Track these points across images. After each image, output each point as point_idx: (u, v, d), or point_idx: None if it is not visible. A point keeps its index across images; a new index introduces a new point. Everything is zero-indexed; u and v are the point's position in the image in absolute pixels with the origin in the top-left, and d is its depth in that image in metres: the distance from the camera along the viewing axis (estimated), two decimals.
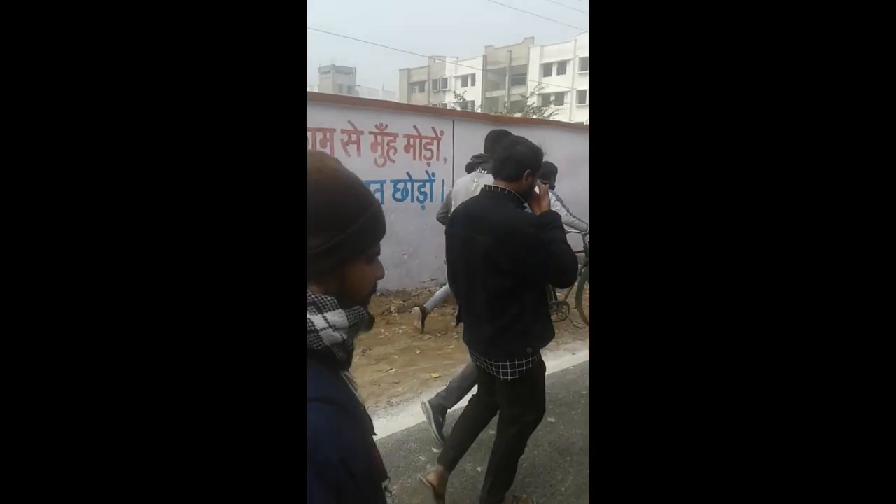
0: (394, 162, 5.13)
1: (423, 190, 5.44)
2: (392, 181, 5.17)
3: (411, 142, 5.25)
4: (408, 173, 5.27)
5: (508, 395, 1.95)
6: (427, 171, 5.43)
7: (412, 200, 5.38)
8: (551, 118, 16.30)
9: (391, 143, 5.09)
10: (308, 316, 0.62)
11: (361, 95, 41.93)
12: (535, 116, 15.19)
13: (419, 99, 47.14)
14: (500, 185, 1.84)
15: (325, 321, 0.64)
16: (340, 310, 0.66)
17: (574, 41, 40.51)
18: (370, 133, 4.91)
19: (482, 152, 3.19)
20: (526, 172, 1.81)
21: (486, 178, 2.64)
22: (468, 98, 21.39)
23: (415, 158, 5.31)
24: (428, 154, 5.41)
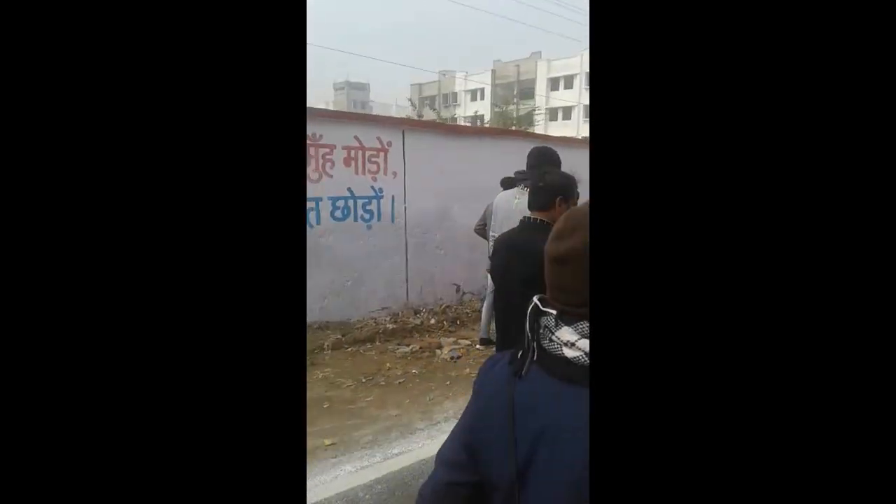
0: (331, 177, 4.54)
1: (368, 208, 4.83)
2: (329, 198, 4.57)
3: (352, 154, 4.65)
4: (349, 189, 4.67)
5: None
6: (373, 187, 4.82)
7: (355, 220, 4.77)
8: (529, 130, 15.81)
9: (327, 156, 4.50)
10: None
11: (375, 111, 41.93)
12: (514, 128, 14.88)
13: (429, 114, 47.23)
14: (536, 215, 1.88)
15: None
16: None
17: (581, 56, 40.12)
18: None
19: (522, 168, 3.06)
20: (557, 200, 1.83)
21: (527, 196, 2.82)
22: (477, 112, 21.76)
23: (357, 173, 4.71)
24: (373, 168, 4.81)
